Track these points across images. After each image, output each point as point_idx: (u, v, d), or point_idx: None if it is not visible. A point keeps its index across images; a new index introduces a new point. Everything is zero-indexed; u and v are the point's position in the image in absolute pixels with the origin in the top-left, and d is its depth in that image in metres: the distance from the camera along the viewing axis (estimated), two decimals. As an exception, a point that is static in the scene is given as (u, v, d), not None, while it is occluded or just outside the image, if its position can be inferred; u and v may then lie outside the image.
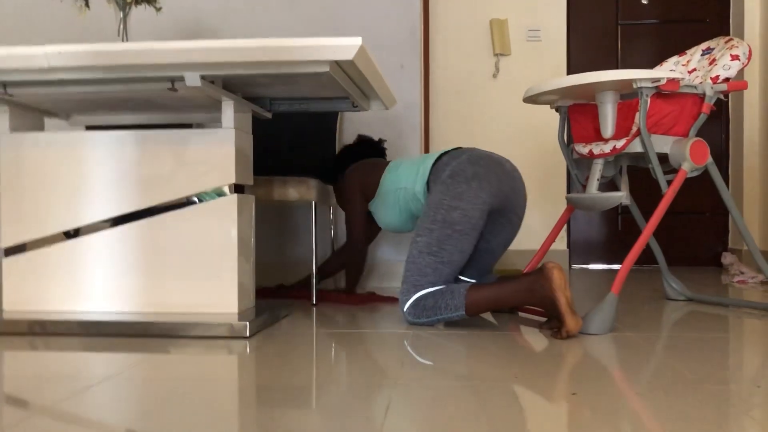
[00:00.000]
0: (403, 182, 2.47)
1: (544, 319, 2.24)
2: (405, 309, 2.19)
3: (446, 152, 2.40)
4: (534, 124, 4.47)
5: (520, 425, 1.17)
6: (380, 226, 2.68)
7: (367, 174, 2.68)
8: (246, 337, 2.01)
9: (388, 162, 2.67)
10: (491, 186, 2.23)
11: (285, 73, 1.94)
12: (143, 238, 2.19)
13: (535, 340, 1.98)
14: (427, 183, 2.36)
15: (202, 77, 1.93)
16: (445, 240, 2.18)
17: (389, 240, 3.36)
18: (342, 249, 2.99)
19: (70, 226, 2.23)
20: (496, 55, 4.44)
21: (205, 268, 2.16)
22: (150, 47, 1.85)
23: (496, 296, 2.10)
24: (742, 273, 3.63)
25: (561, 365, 1.65)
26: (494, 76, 4.46)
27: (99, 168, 2.22)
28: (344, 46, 1.82)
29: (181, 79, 1.95)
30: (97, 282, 2.21)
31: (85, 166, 2.22)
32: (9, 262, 2.24)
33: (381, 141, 2.95)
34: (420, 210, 2.43)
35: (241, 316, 2.11)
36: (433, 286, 2.17)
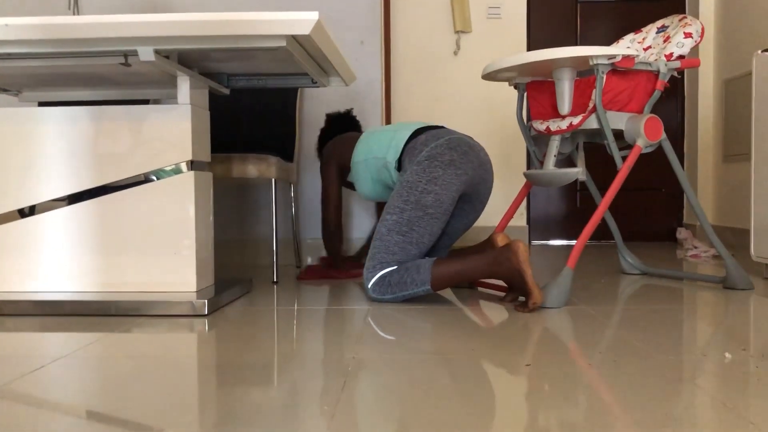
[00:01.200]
0: (374, 151, 2.43)
1: (502, 294, 2.27)
2: (369, 286, 2.19)
3: (425, 128, 2.38)
4: (494, 101, 4.49)
5: (474, 395, 1.19)
6: (360, 195, 2.62)
7: (340, 149, 2.66)
8: (205, 315, 2.00)
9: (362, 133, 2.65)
10: (466, 174, 2.24)
11: (241, 48, 1.92)
12: (100, 216, 2.15)
13: (494, 314, 2.01)
14: (400, 156, 2.33)
15: (156, 52, 1.90)
16: (416, 221, 2.18)
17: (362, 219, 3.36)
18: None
19: (23, 204, 2.18)
20: (457, 32, 4.44)
21: (163, 246, 2.14)
22: (102, 20, 1.80)
23: (461, 270, 2.12)
24: (695, 248, 3.73)
25: (517, 338, 1.68)
26: (455, 53, 4.47)
27: (53, 145, 2.17)
28: (300, 21, 1.80)
29: (135, 53, 1.91)
30: (53, 261, 2.17)
31: (39, 143, 2.17)
32: (-41, 241, 2.18)
33: (348, 111, 2.93)
34: (390, 179, 2.40)
35: (201, 294, 2.10)
36: (398, 265, 2.19)
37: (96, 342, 1.65)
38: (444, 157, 2.21)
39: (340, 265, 2.84)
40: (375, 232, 2.25)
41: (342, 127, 2.89)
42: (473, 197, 2.38)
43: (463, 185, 2.24)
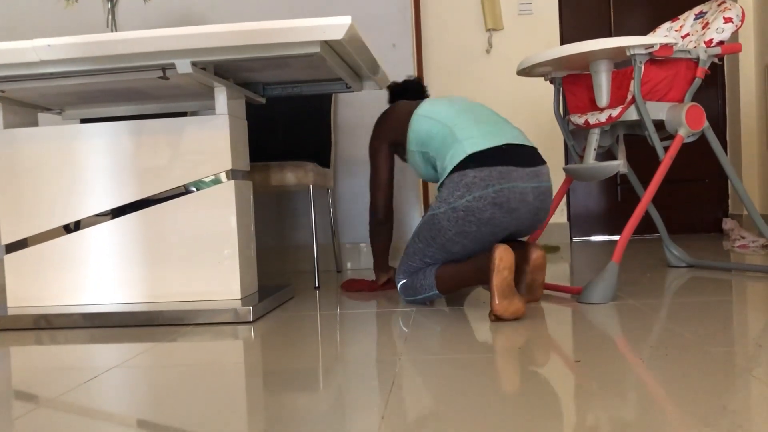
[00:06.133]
0: (427, 146, 2.17)
1: (568, 295, 2.23)
2: (399, 290, 2.22)
3: (478, 154, 2.02)
4: (529, 98, 4.45)
5: (523, 393, 1.18)
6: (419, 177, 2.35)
7: (392, 125, 2.34)
8: (250, 322, 2.01)
9: (417, 106, 2.29)
10: (507, 230, 2.04)
11: (276, 56, 1.93)
12: (143, 229, 2.19)
13: (538, 313, 1.98)
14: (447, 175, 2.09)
15: (193, 64, 1.92)
16: (442, 256, 2.10)
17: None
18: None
19: (69, 219, 2.23)
20: (488, 30, 4.42)
21: (206, 255, 2.16)
22: (139, 36, 1.84)
23: (459, 275, 2.06)
24: (743, 238, 3.64)
25: (564, 335, 1.66)
26: (487, 51, 4.44)
27: (95, 160, 2.22)
28: (333, 26, 1.81)
29: (172, 66, 1.94)
30: (99, 274, 2.21)
31: (82, 159, 2.22)
32: (11, 258, 2.24)
33: (416, 79, 2.58)
34: (441, 175, 2.14)
35: (245, 301, 2.12)
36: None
37: (145, 352, 1.68)
38: (484, 214, 1.98)
39: (380, 273, 2.56)
40: (408, 241, 2.19)
41: (401, 97, 2.52)
42: (516, 235, 2.16)
43: (500, 237, 2.05)
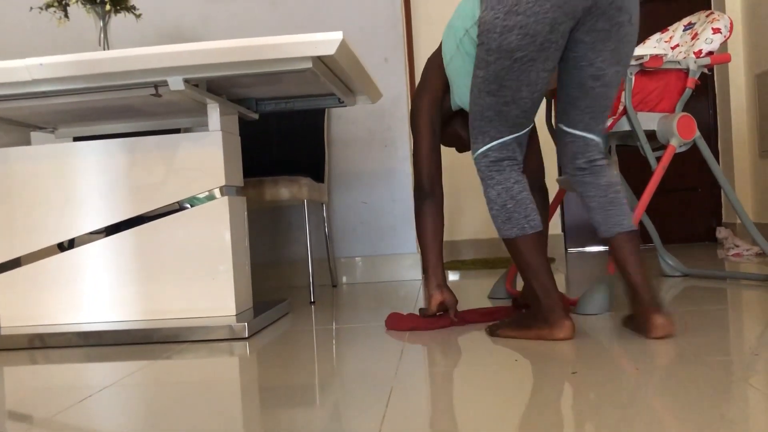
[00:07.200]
0: (460, 27, 1.80)
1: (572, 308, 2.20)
2: (475, 159, 1.81)
3: None
4: (522, 110, 4.46)
5: (521, 405, 1.17)
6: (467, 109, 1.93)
7: (427, 74, 2.03)
8: (246, 338, 2.01)
9: None
10: None
11: (268, 72, 1.94)
12: (138, 246, 2.18)
13: (534, 323, 1.98)
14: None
15: (186, 81, 1.93)
16: (505, 74, 1.65)
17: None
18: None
19: (63, 237, 2.23)
20: (480, 43, 4.44)
21: (201, 271, 2.16)
22: (131, 53, 1.84)
23: (528, 269, 1.74)
24: (737, 246, 3.65)
25: (560, 346, 1.66)
26: (479, 64, 4.46)
27: (89, 178, 2.21)
28: (325, 41, 1.81)
29: (165, 83, 1.94)
30: (94, 292, 2.20)
31: (75, 178, 2.22)
32: (4, 277, 2.23)
33: None
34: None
35: (240, 317, 2.11)
36: (501, 136, 1.75)
37: (140, 370, 1.67)
38: None
39: (433, 288, 2.00)
40: (470, 93, 1.77)
41: None
42: (605, 8, 1.61)
43: (565, 4, 1.57)
